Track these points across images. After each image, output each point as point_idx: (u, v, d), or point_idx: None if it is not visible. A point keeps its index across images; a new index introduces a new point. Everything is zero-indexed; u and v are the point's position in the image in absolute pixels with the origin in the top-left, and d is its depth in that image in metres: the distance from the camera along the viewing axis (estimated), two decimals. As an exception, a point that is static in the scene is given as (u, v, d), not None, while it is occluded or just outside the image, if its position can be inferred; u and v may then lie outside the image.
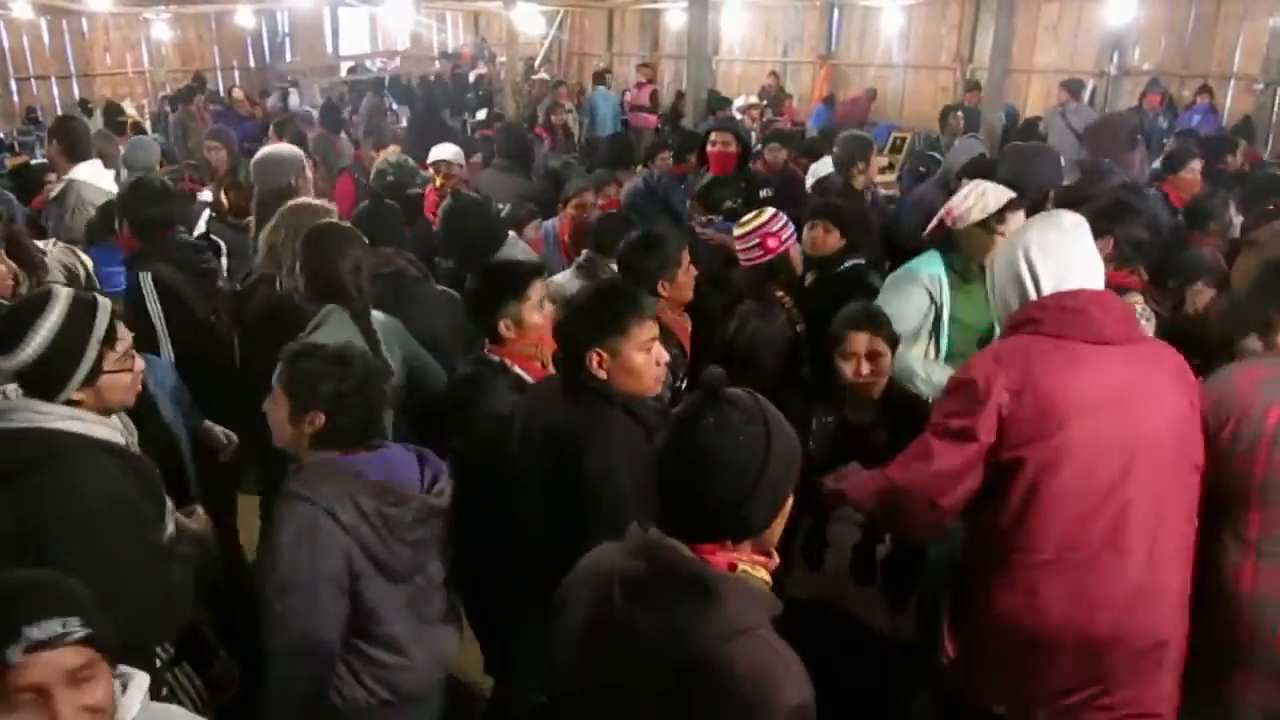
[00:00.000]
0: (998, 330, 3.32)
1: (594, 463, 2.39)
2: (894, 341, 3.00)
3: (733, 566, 1.58)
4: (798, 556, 2.93)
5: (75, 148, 5.28)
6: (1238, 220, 4.79)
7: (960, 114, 9.85)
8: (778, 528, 1.65)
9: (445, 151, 6.14)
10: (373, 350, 3.00)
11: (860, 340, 2.93)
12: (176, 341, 3.75)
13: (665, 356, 2.54)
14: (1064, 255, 2.30)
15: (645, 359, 2.47)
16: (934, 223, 3.49)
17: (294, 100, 14.06)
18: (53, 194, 5.26)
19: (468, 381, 2.98)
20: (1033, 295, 2.30)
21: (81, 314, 2.23)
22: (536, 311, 2.94)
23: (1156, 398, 2.24)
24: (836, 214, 4.27)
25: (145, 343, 3.66)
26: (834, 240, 4.18)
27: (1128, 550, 2.19)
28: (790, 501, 1.65)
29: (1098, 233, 3.55)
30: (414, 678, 2.44)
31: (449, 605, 2.58)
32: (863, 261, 4.19)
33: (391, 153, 7.43)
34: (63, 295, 2.23)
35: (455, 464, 2.61)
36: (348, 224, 3.45)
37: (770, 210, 3.93)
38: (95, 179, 5.13)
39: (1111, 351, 2.21)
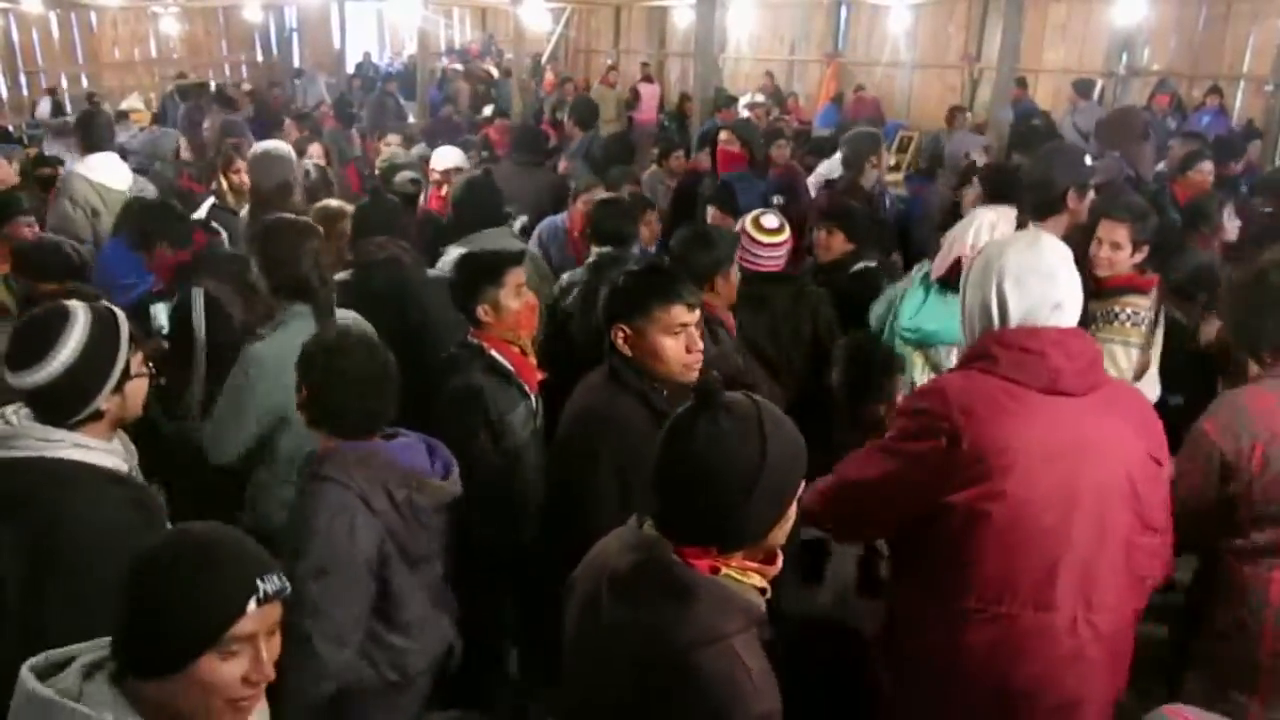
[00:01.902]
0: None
1: (578, 445, 2.45)
2: None
3: (715, 570, 1.56)
4: (791, 569, 2.82)
5: (87, 139, 5.32)
6: (1233, 225, 4.68)
7: (969, 114, 9.84)
8: (779, 533, 1.62)
9: (454, 158, 5.97)
10: None
11: (901, 382, 2.88)
12: (213, 354, 3.66)
13: (699, 346, 2.50)
14: (1039, 290, 2.10)
15: (672, 343, 2.44)
16: (949, 264, 3.48)
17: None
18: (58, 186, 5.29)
19: (445, 363, 3.09)
20: (997, 326, 2.13)
21: (106, 322, 2.16)
22: (514, 298, 3.04)
23: (1111, 452, 2.08)
24: (842, 217, 4.24)
25: (183, 356, 3.61)
26: (839, 243, 4.16)
27: (1055, 607, 2.07)
28: (795, 507, 1.63)
29: (1137, 245, 3.59)
30: (422, 660, 2.48)
31: (447, 587, 2.64)
32: (874, 264, 4.12)
33: (391, 143, 7.42)
34: (80, 307, 2.15)
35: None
36: (304, 219, 3.41)
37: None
38: (93, 172, 5.10)
39: (1066, 403, 2.05)
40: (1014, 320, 2.10)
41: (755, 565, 1.61)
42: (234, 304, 3.69)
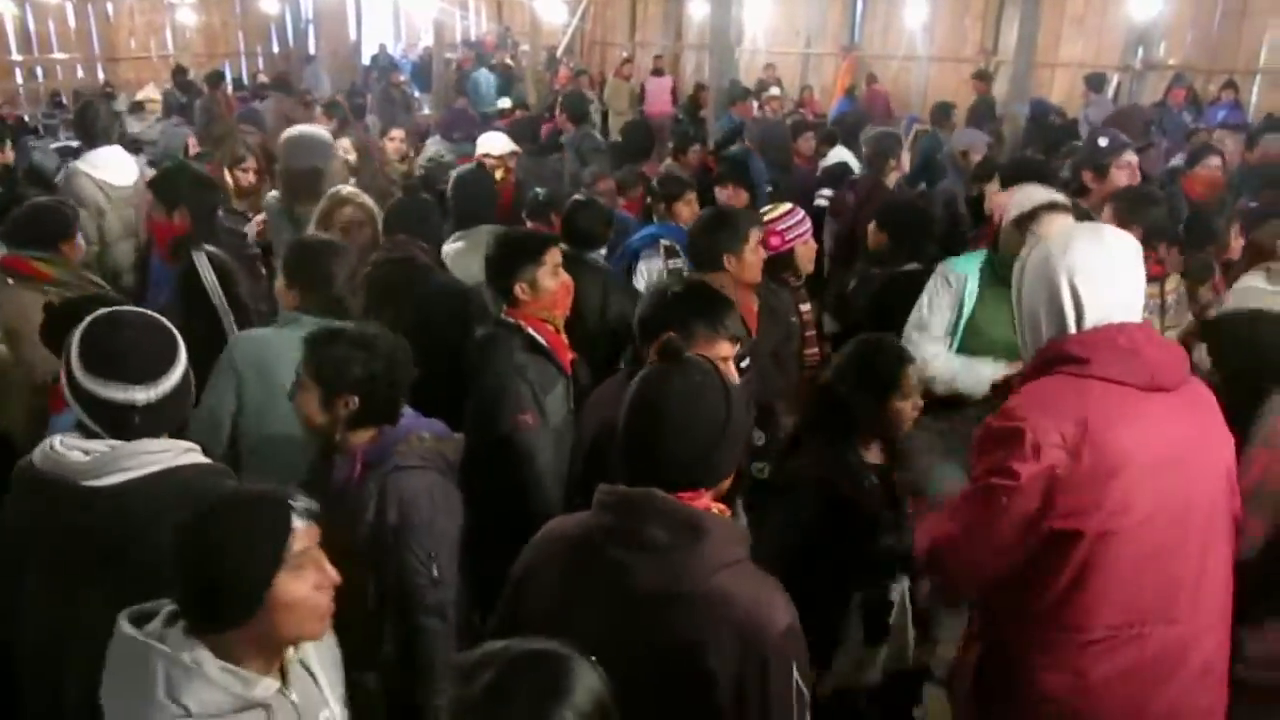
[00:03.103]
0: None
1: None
2: None
3: (707, 509, 1.69)
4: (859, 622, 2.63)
5: (86, 134, 5.29)
6: (1239, 243, 4.60)
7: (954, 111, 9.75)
8: (727, 483, 1.78)
9: (506, 143, 5.98)
10: None
11: (914, 373, 2.72)
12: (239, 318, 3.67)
13: (734, 378, 2.38)
14: (1114, 284, 2.01)
15: None
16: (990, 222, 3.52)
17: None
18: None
19: (483, 342, 3.11)
20: (1072, 327, 2.01)
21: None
22: (551, 277, 3.07)
23: (1212, 450, 2.03)
24: (885, 217, 4.36)
25: (206, 325, 3.54)
26: (876, 238, 4.27)
27: (1177, 620, 1.98)
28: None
29: (1122, 224, 3.59)
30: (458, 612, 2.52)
31: None
32: (919, 267, 4.07)
33: (399, 140, 7.41)
34: (152, 314, 2.12)
35: (468, 422, 2.77)
36: (337, 240, 3.37)
37: (785, 206, 3.89)
38: (97, 169, 4.97)
39: (1166, 399, 1.96)
40: (1089, 320, 1.99)
41: (721, 506, 1.75)
42: (236, 272, 3.76)
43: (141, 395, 1.94)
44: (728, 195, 4.99)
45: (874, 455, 2.71)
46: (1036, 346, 2.09)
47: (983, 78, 11.93)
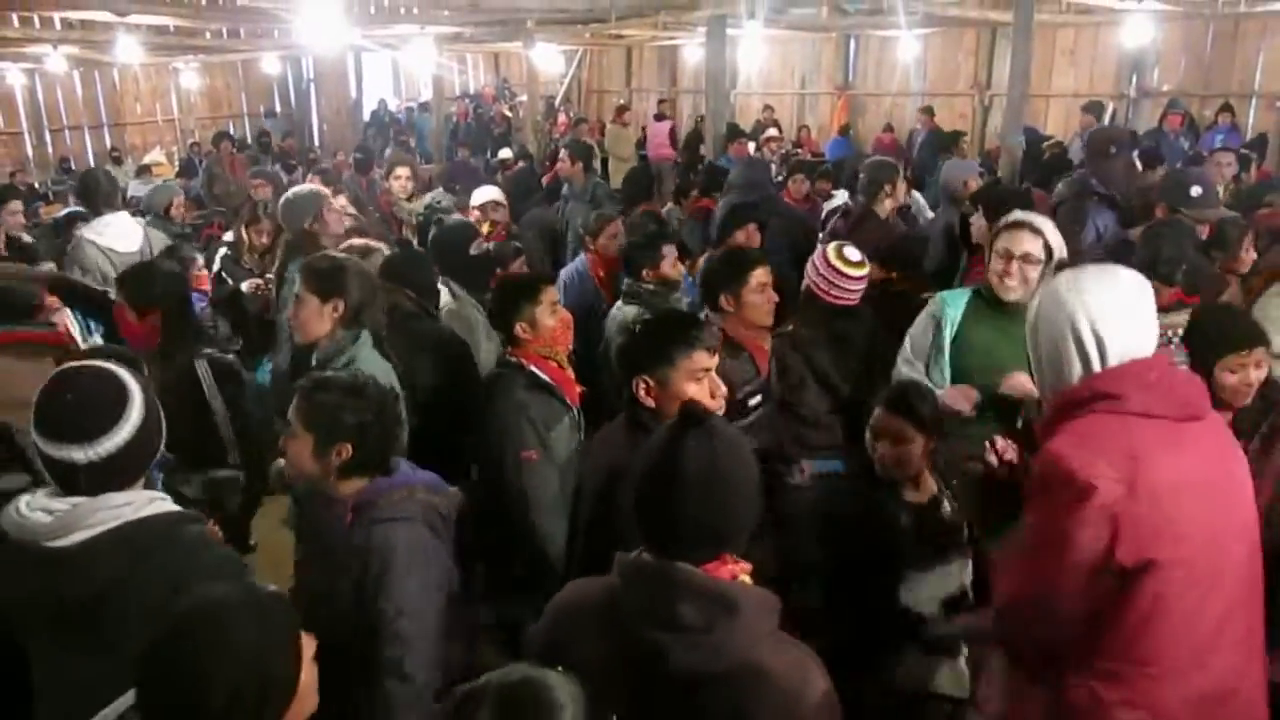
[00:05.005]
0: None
1: (625, 500, 2.37)
2: (933, 426, 2.85)
3: (734, 577, 1.64)
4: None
5: (90, 202, 5.35)
6: (1250, 256, 4.50)
7: (964, 140, 9.88)
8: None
9: (492, 193, 6.11)
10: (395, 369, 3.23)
11: (894, 423, 2.83)
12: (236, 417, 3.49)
13: (723, 389, 2.46)
14: (1132, 320, 2.03)
15: (697, 389, 2.40)
16: None
17: None
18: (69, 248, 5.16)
19: (490, 382, 3.24)
20: (1097, 365, 2.01)
21: (139, 373, 2.15)
22: (550, 315, 3.20)
23: (1238, 475, 2.07)
24: (890, 254, 4.42)
25: (204, 430, 3.39)
26: (875, 271, 4.23)
27: (1227, 646, 2.00)
28: None
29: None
30: (454, 668, 2.48)
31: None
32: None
33: (405, 178, 7.48)
34: (118, 367, 2.04)
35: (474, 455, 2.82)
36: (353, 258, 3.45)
37: None
38: (102, 236, 5.01)
39: (1199, 428, 2.00)
40: (1113, 358, 2.00)
41: (745, 565, 1.69)
42: (239, 370, 3.66)
43: (80, 455, 1.89)
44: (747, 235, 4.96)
45: (912, 494, 2.87)
46: (1059, 385, 2.08)
47: (929, 112, 12.73)
